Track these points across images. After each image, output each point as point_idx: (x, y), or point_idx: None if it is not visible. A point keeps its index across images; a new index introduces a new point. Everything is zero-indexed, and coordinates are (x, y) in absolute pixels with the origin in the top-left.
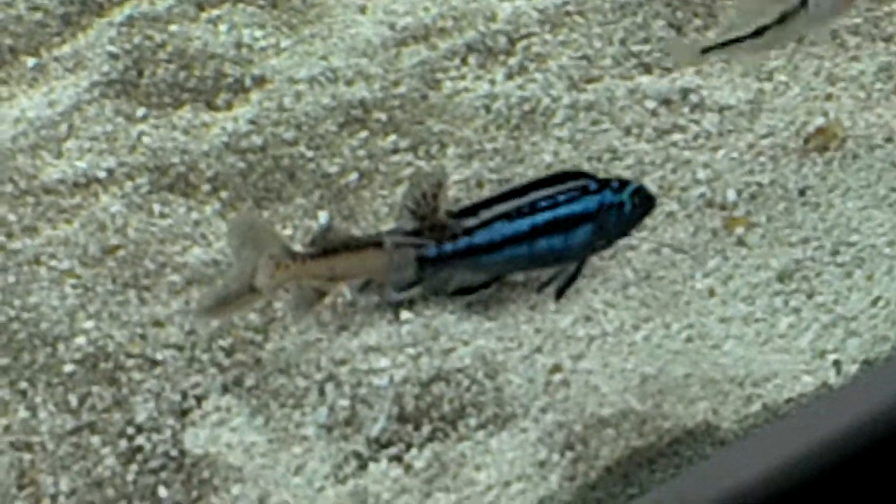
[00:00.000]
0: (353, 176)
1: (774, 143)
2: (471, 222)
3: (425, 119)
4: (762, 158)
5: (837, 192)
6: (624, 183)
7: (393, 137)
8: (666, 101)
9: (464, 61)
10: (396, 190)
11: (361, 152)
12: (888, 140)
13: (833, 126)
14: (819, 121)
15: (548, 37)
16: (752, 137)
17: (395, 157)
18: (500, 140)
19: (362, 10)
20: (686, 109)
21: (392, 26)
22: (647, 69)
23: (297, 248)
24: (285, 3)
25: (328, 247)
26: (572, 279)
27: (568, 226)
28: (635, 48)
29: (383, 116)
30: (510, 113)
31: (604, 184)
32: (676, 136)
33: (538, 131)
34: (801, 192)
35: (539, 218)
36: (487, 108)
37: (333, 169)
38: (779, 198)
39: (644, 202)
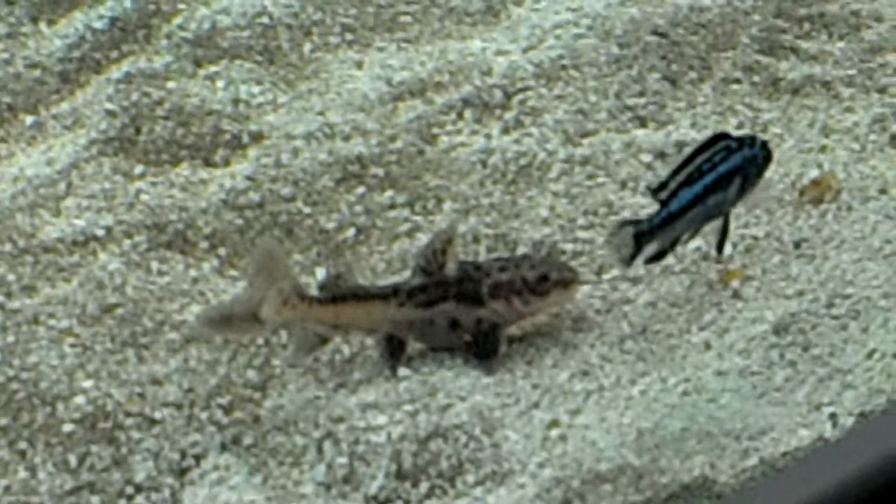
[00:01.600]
0: (351, 231)
1: (769, 195)
2: (663, 194)
3: (422, 174)
4: (757, 211)
5: (832, 245)
6: (752, 138)
7: (390, 193)
8: (661, 155)
9: (460, 116)
10: (394, 245)
11: (358, 208)
12: (882, 192)
13: (828, 178)
14: (814, 173)
15: (543, 91)
16: None
17: (392, 213)
18: (496, 195)
19: (359, 65)
20: None
21: (388, 81)
22: (643, 122)
23: (309, 289)
24: (282, 59)
25: (337, 294)
26: (725, 232)
27: (725, 183)
28: (630, 101)
29: (380, 172)
30: (506, 167)
31: (740, 142)
32: None
33: (534, 186)
34: (797, 245)
35: (707, 179)
36: (484, 163)
37: (331, 225)
38: (774, 250)
39: (768, 154)
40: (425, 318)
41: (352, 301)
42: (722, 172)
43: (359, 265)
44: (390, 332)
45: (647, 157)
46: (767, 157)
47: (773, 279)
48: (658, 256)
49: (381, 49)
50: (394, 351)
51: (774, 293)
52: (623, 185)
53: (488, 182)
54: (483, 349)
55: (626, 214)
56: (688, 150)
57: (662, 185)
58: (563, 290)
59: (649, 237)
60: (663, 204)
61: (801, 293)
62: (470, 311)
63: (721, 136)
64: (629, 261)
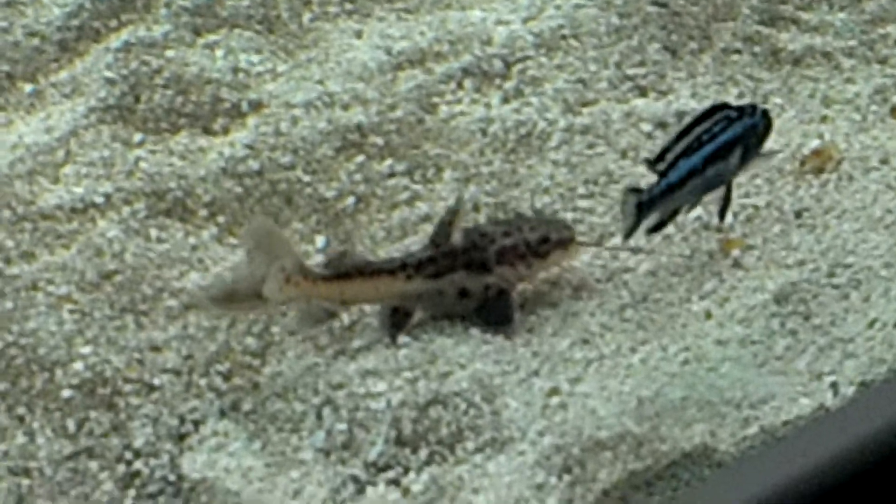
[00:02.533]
0: (350, 200)
1: (770, 165)
2: (661, 166)
3: (421, 143)
4: (758, 181)
5: (833, 214)
6: (753, 107)
7: (389, 162)
8: (661, 124)
9: (460, 85)
10: (393, 214)
11: (358, 176)
12: (884, 162)
13: (829, 148)
14: (814, 143)
15: (543, 60)
16: None
17: (392, 182)
18: (496, 164)
19: (358, 34)
20: None
21: (388, 51)
22: (643, 92)
23: (312, 265)
24: (282, 28)
25: (342, 270)
26: (727, 201)
27: (725, 153)
28: (630, 71)
29: (380, 141)
30: (506, 136)
31: (740, 111)
32: None
33: (534, 155)
34: (798, 215)
35: (706, 150)
36: (483, 132)
37: (330, 193)
38: (775, 220)
39: (768, 122)
40: (435, 289)
41: (358, 277)
42: (722, 142)
43: (358, 234)
44: (396, 305)
45: (647, 127)
46: (768, 126)
47: (773, 248)
48: (658, 226)
49: (380, 19)
50: (397, 322)
51: (775, 262)
52: (623, 154)
53: (488, 151)
54: (496, 315)
55: (628, 182)
56: (686, 121)
57: (659, 157)
58: (563, 251)
59: (650, 207)
60: (662, 175)
61: (801, 263)
62: (478, 278)
63: (720, 107)
64: (630, 231)
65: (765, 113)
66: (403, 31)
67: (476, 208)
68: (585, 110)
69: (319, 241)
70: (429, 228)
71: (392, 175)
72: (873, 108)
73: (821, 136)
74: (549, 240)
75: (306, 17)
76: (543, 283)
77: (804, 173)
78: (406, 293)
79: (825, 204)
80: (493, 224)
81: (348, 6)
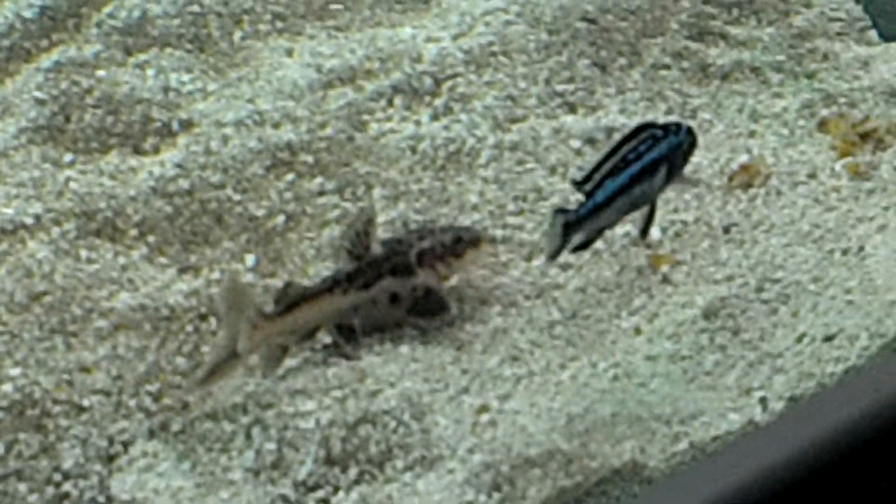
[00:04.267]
0: (280, 219)
1: (699, 180)
2: (588, 186)
3: (352, 161)
4: (687, 196)
5: (762, 229)
6: (677, 125)
7: (319, 180)
8: (590, 140)
9: (390, 103)
10: (323, 232)
11: (288, 195)
12: (811, 176)
13: (757, 163)
14: (743, 158)
15: (473, 77)
16: None
17: (322, 200)
18: (425, 181)
19: (289, 52)
20: None
21: (319, 69)
22: (572, 108)
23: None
24: (212, 47)
25: (288, 301)
26: (651, 218)
27: (651, 171)
28: (560, 87)
29: (310, 159)
30: (436, 154)
31: (665, 129)
32: None
33: (464, 172)
34: (726, 230)
35: (632, 169)
36: (413, 150)
37: (260, 212)
38: (703, 235)
39: (693, 139)
40: (368, 298)
41: (304, 303)
42: (647, 161)
43: (288, 253)
44: (338, 321)
45: (576, 143)
46: (692, 144)
47: (702, 264)
48: (584, 245)
49: (311, 37)
50: (346, 336)
51: (704, 278)
52: (552, 170)
53: (418, 168)
54: (430, 309)
55: (556, 200)
56: (613, 140)
57: (586, 177)
58: (475, 250)
59: (576, 228)
60: (589, 195)
61: (730, 278)
62: (405, 281)
63: (646, 126)
64: (556, 252)
65: (689, 130)
66: (334, 49)
67: (406, 226)
68: (515, 127)
69: (249, 259)
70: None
71: (322, 193)
72: (801, 122)
73: (749, 151)
74: (461, 239)
75: (237, 35)
76: (472, 300)
77: (732, 188)
78: (344, 308)
79: (753, 219)
80: (407, 232)
81: (279, 24)
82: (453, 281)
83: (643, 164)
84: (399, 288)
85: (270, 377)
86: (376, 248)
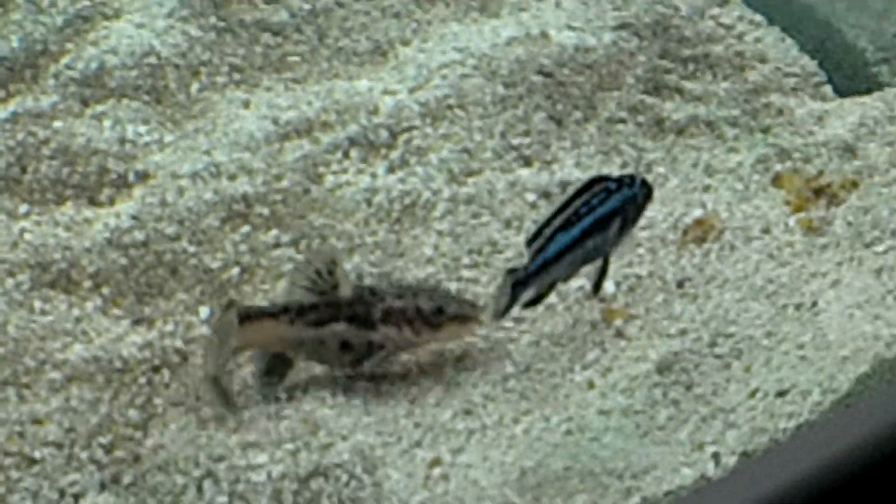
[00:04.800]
0: (235, 271)
1: (653, 234)
2: (539, 242)
3: (307, 213)
4: (641, 250)
5: (715, 284)
6: (631, 178)
7: (275, 232)
8: (546, 194)
9: (346, 155)
10: (278, 284)
11: (243, 247)
12: (765, 231)
13: (711, 217)
14: (697, 212)
15: (429, 130)
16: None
17: (277, 252)
18: (380, 234)
19: (246, 104)
20: None
21: (275, 121)
22: (527, 162)
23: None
24: (170, 99)
25: (242, 314)
26: (604, 272)
27: (604, 224)
28: (515, 141)
29: (265, 211)
30: (391, 206)
31: (619, 182)
32: None
33: (419, 224)
34: (680, 284)
35: (584, 223)
36: (369, 202)
37: (216, 264)
38: (657, 289)
39: (648, 191)
40: (316, 336)
41: (246, 322)
42: (600, 215)
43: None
44: (278, 351)
45: (531, 197)
46: (647, 195)
47: (656, 318)
48: (536, 300)
49: (268, 89)
50: (274, 368)
51: (658, 332)
52: (507, 224)
53: (373, 221)
54: (370, 366)
55: (510, 254)
56: (567, 194)
57: (535, 235)
58: (458, 326)
59: (525, 285)
60: (538, 252)
61: (684, 332)
62: (361, 333)
63: (599, 179)
64: (503, 311)
65: (644, 183)
66: (291, 101)
67: (360, 278)
68: (470, 180)
69: (203, 311)
70: None
71: (277, 245)
72: (756, 177)
73: (703, 206)
74: (442, 311)
75: (194, 87)
76: (427, 353)
77: (686, 243)
78: (286, 338)
79: (707, 273)
80: (391, 285)
81: (236, 76)
82: (432, 347)
83: (596, 218)
84: (352, 337)
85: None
86: (346, 291)
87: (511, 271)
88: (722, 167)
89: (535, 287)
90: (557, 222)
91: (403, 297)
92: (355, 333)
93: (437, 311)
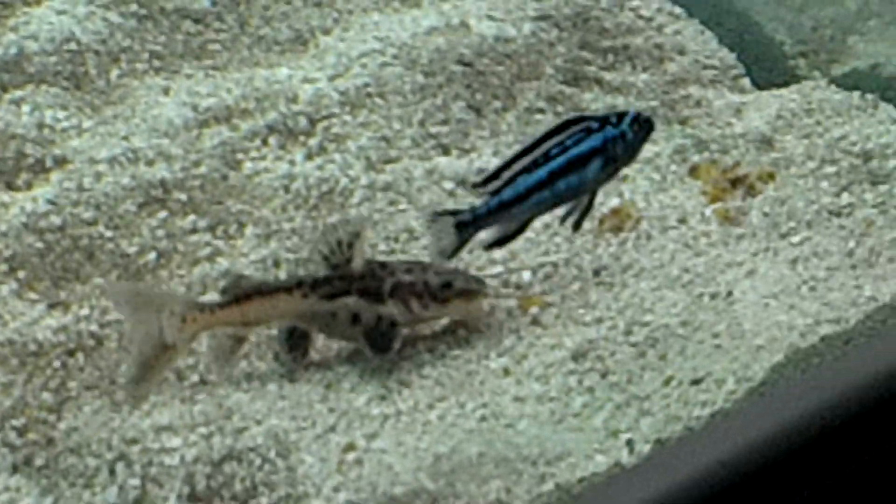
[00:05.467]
0: (152, 255)
1: (569, 223)
2: (495, 184)
3: (225, 199)
4: (557, 239)
5: (631, 273)
6: (622, 115)
7: (192, 217)
8: (463, 182)
9: (265, 142)
10: (194, 269)
11: (160, 232)
12: (682, 221)
13: (627, 207)
14: (614, 202)
15: (348, 118)
16: (548, 218)
17: (194, 238)
18: (297, 220)
19: (166, 91)
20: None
21: (195, 108)
22: (446, 150)
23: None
24: (89, 85)
25: (240, 293)
26: (587, 210)
27: (580, 164)
28: (434, 129)
29: (183, 197)
30: (309, 193)
31: (604, 121)
32: None
33: (336, 211)
34: (596, 273)
35: (554, 164)
36: (286, 189)
37: (132, 249)
38: (573, 278)
39: (644, 126)
40: (328, 310)
41: (257, 297)
42: (573, 156)
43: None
44: (293, 325)
45: (448, 185)
46: (643, 131)
47: (572, 306)
48: (502, 241)
49: (188, 76)
50: (296, 343)
51: (573, 320)
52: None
53: (290, 207)
54: (378, 343)
55: (426, 241)
56: (534, 136)
57: (491, 176)
58: (464, 301)
59: (473, 227)
60: (493, 193)
61: (599, 320)
62: (371, 307)
63: (578, 119)
64: (452, 252)
65: (637, 119)
66: (211, 88)
67: (277, 264)
68: (388, 168)
69: None
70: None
71: (194, 231)
72: (673, 167)
73: (620, 195)
74: (450, 286)
75: (114, 73)
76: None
77: (603, 232)
78: (301, 312)
79: (623, 262)
80: (401, 262)
81: (157, 63)
82: (443, 321)
83: (568, 159)
84: (361, 310)
85: (221, 376)
86: (358, 265)
87: (449, 213)
88: (639, 157)
89: (495, 228)
90: (521, 164)
91: (412, 272)
92: (365, 306)
93: (445, 286)
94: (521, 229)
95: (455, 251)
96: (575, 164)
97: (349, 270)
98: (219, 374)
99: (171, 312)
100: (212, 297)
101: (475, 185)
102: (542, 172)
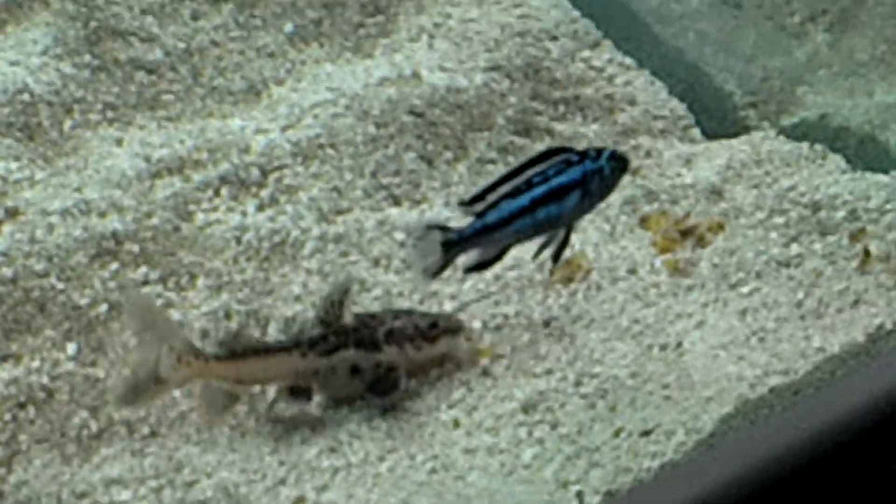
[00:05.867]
0: (103, 307)
1: (521, 274)
2: (480, 206)
3: (177, 250)
4: (508, 290)
5: (581, 324)
6: (600, 150)
7: (144, 269)
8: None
9: (217, 193)
10: None
11: (112, 284)
12: (631, 272)
13: (578, 258)
14: (565, 253)
15: (300, 169)
16: (499, 269)
17: (146, 289)
18: (249, 271)
19: (119, 142)
20: None
21: (147, 159)
22: (397, 201)
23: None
24: (42, 136)
25: (237, 350)
26: (564, 244)
27: (560, 195)
28: (385, 180)
29: (135, 248)
30: (260, 244)
31: (584, 154)
32: None
33: (287, 262)
34: (546, 324)
35: (536, 192)
36: (238, 240)
37: (84, 301)
38: (524, 329)
39: (618, 165)
40: (328, 365)
41: (253, 356)
42: (554, 186)
43: (110, 341)
44: (293, 383)
45: (399, 236)
46: (619, 168)
47: (522, 357)
48: (480, 267)
49: (141, 127)
50: (300, 398)
51: (523, 371)
52: (375, 262)
53: (242, 259)
54: (382, 386)
55: (378, 292)
56: (517, 162)
57: (477, 197)
58: (450, 338)
59: (459, 248)
60: (479, 216)
61: (549, 371)
62: (369, 356)
63: (560, 150)
64: (436, 271)
65: (614, 155)
66: (163, 139)
67: (228, 316)
68: (339, 219)
69: (70, 348)
70: (182, 333)
71: (146, 282)
72: (623, 218)
73: (571, 246)
74: (436, 325)
75: (67, 124)
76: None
77: (553, 283)
78: (301, 371)
79: (573, 313)
80: (384, 310)
81: (110, 114)
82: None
83: (550, 188)
84: (360, 360)
85: (210, 425)
86: (348, 318)
87: (440, 228)
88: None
89: (476, 252)
90: (506, 188)
91: (400, 318)
92: (364, 357)
93: (432, 326)
94: (499, 256)
95: (439, 270)
96: (556, 194)
97: (342, 325)
98: (205, 426)
99: (171, 348)
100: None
101: (462, 203)
102: (524, 199)
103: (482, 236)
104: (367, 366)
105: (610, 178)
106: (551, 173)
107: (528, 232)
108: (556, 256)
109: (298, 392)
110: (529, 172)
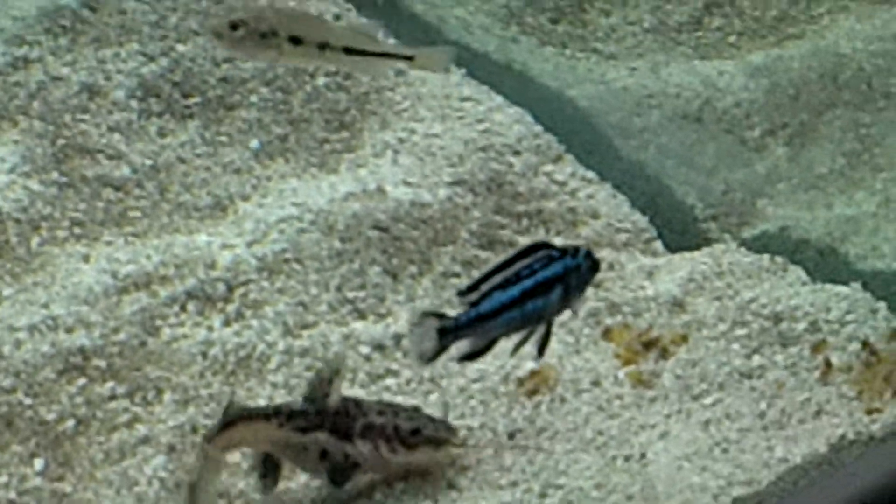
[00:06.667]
0: (70, 423)
1: (485, 386)
2: (474, 296)
3: (143, 366)
4: (473, 402)
5: (546, 436)
6: (576, 249)
7: (111, 384)
8: (379, 347)
9: (183, 308)
10: (113, 436)
11: (79, 399)
12: (595, 384)
13: (543, 370)
14: (529, 365)
15: (265, 284)
16: (464, 381)
17: (113, 404)
18: (215, 386)
19: (86, 258)
20: (399, 355)
21: (114, 274)
22: (362, 315)
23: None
24: (9, 253)
25: (227, 419)
26: (547, 337)
27: (546, 289)
28: (351, 294)
29: (102, 363)
30: (226, 359)
31: (563, 251)
32: (390, 381)
33: (253, 377)
34: (511, 436)
35: (525, 284)
36: (204, 355)
37: (51, 416)
38: (488, 441)
39: (593, 264)
40: (299, 442)
41: (240, 422)
42: (540, 280)
43: (77, 456)
44: (267, 452)
45: (365, 349)
46: (592, 268)
47: (487, 469)
48: (470, 357)
49: (109, 243)
50: (268, 470)
51: (488, 483)
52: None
53: (208, 373)
54: (340, 477)
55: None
56: (505, 255)
57: (472, 287)
58: (432, 449)
59: (454, 335)
60: (472, 305)
61: (514, 483)
62: (339, 444)
63: (542, 245)
64: (431, 357)
65: (588, 254)
66: (130, 255)
67: (195, 430)
68: (305, 333)
69: (38, 463)
70: (147, 450)
71: (113, 398)
72: (587, 330)
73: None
74: (419, 432)
75: (35, 241)
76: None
77: (518, 395)
78: (275, 440)
79: (538, 425)
80: (377, 402)
81: (77, 231)
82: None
83: (537, 281)
84: (331, 447)
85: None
86: (334, 401)
87: (435, 315)
88: (553, 320)
89: (468, 341)
90: (496, 280)
91: (384, 415)
92: (334, 444)
93: (414, 432)
94: (488, 346)
95: (435, 356)
96: (542, 287)
97: (325, 405)
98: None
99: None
100: None
101: (459, 293)
102: (514, 291)
103: (476, 325)
104: (335, 453)
105: (586, 275)
106: (538, 267)
107: (516, 324)
108: (540, 349)
109: (268, 464)
110: (517, 265)
